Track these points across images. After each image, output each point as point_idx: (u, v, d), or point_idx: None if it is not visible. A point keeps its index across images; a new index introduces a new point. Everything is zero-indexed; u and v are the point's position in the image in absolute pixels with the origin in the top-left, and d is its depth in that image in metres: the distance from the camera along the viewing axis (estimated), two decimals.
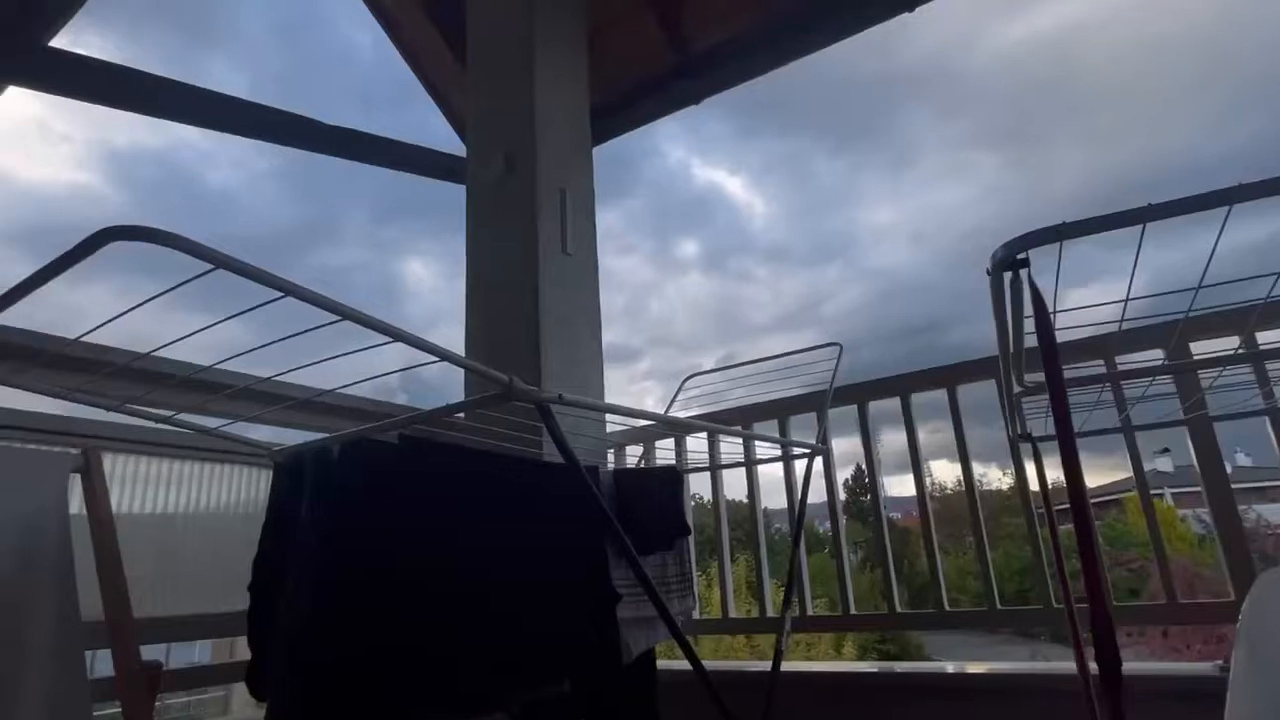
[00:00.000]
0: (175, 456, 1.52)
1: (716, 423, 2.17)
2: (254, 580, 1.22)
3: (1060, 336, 0.92)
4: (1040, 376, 1.19)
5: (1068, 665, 1.72)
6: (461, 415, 1.95)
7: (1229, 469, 1.61)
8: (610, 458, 2.32)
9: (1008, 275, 0.78)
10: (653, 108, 3.00)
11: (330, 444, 1.16)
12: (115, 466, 1.45)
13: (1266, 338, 1.51)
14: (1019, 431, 1.54)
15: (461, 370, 2.01)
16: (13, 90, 2.53)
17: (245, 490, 1.63)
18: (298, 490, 1.11)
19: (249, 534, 1.21)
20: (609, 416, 2.03)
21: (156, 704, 1.10)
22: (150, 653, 1.18)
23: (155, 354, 0.99)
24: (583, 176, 2.40)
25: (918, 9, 2.51)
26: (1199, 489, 1.59)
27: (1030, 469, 1.58)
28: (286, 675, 1.00)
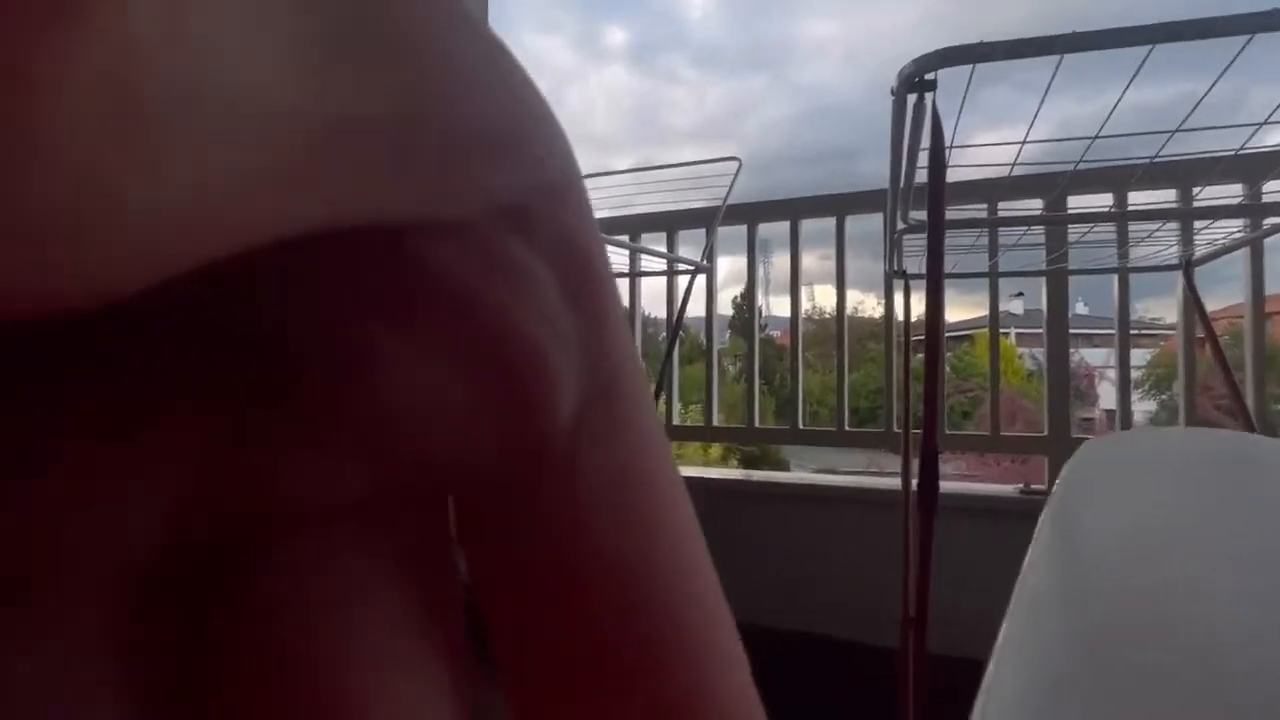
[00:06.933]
0: None
1: (607, 231, 2.09)
2: None
3: (953, 176, 0.88)
4: (925, 214, 1.18)
5: (896, 481, 1.93)
6: None
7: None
8: None
9: (911, 97, 0.71)
10: None
11: None
12: None
13: (1137, 199, 1.55)
14: (895, 267, 1.56)
15: None
16: None
17: None
18: None
19: None
20: None
21: None
22: None
23: None
24: None
25: None
26: (1039, 331, 1.71)
27: (899, 304, 1.63)
28: None
